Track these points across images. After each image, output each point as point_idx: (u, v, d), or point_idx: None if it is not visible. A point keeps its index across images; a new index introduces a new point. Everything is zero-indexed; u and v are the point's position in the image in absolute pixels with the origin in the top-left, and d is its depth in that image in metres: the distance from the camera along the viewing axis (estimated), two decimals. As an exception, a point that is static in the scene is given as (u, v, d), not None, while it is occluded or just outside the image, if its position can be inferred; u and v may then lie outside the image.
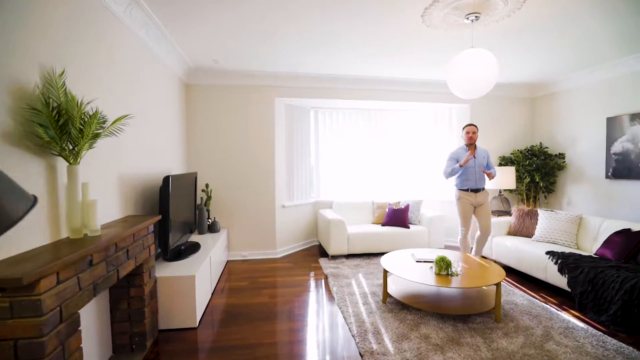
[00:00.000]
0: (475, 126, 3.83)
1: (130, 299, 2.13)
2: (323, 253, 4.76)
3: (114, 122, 1.85)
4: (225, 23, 2.89)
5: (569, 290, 3.11)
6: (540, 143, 5.01)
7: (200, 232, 4.04)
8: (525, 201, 5.03)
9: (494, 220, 4.28)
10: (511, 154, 5.12)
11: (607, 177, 4.19)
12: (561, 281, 3.21)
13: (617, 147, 4.08)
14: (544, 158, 4.79)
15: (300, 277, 3.84)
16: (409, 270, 2.91)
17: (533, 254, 3.56)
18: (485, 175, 3.75)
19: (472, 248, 4.06)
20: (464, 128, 3.88)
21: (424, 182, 5.62)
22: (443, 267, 2.77)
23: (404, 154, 5.64)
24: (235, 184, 4.48)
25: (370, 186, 5.53)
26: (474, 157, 3.74)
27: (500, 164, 5.17)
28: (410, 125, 5.64)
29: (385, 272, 3.02)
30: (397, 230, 4.65)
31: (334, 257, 4.46)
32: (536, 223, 4.00)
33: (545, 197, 4.94)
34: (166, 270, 2.66)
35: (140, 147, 2.73)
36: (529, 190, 4.96)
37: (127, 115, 2.03)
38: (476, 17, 2.57)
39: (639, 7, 2.69)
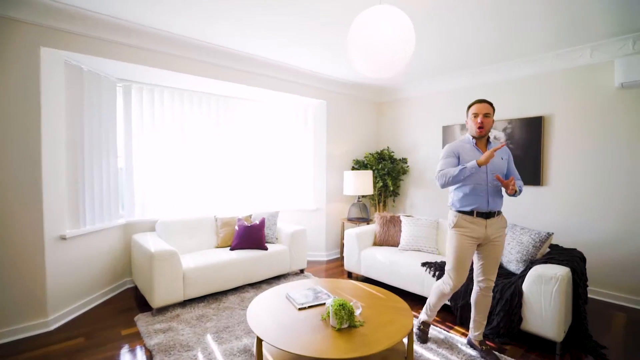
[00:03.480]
0: (491, 104, 2.19)
1: None
2: (143, 303, 3.10)
3: None
4: None
5: (448, 303, 2.90)
6: (388, 147, 5.06)
7: None
8: (376, 206, 4.95)
9: (360, 230, 3.86)
10: (364, 157, 4.95)
11: (443, 180, 4.50)
12: (439, 295, 2.97)
13: (451, 153, 4.42)
14: (392, 162, 4.82)
15: (97, 366, 2.16)
16: (294, 331, 1.90)
17: (408, 267, 3.25)
18: (502, 189, 2.21)
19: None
20: (470, 107, 2.25)
21: (279, 190, 4.75)
22: (345, 318, 1.91)
23: (254, 155, 4.59)
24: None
25: (212, 196, 4.19)
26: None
27: (353, 168, 4.93)
28: (262, 120, 4.65)
29: (260, 340, 1.89)
30: (253, 253, 3.56)
31: (163, 310, 2.91)
32: (400, 231, 3.80)
33: (394, 200, 5.01)
34: None
35: None
36: (380, 194, 4.90)
37: None
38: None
39: (478, 25, 2.76)
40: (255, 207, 4.51)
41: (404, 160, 4.89)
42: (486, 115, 2.17)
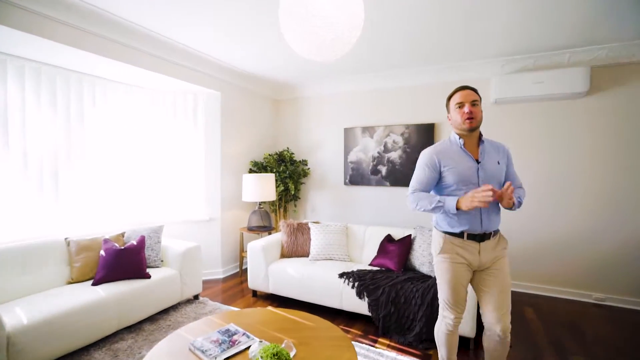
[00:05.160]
0: (476, 92, 1.79)
1: None
2: None
3: None
4: None
5: (369, 314, 2.75)
6: (288, 148, 4.72)
7: None
8: (277, 212, 4.56)
9: (266, 241, 3.40)
10: (264, 158, 4.49)
11: (345, 183, 4.46)
12: (359, 306, 2.80)
13: (352, 156, 4.42)
14: (292, 164, 4.52)
15: None
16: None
17: (324, 280, 2.98)
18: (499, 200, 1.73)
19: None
20: (450, 98, 1.87)
21: (162, 198, 3.82)
22: (284, 370, 1.46)
23: (128, 154, 3.55)
24: None
25: (61, 211, 3.01)
26: (478, 160, 1.78)
27: (251, 170, 4.41)
28: (139, 111, 3.63)
29: None
30: (129, 286, 2.67)
31: (-31, 400, 1.82)
32: (309, 239, 3.51)
33: (295, 205, 4.71)
34: None
35: None
36: (280, 199, 4.53)
37: None
38: None
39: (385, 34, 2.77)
40: (130, 222, 3.51)
41: (305, 162, 4.66)
42: (474, 104, 1.74)
